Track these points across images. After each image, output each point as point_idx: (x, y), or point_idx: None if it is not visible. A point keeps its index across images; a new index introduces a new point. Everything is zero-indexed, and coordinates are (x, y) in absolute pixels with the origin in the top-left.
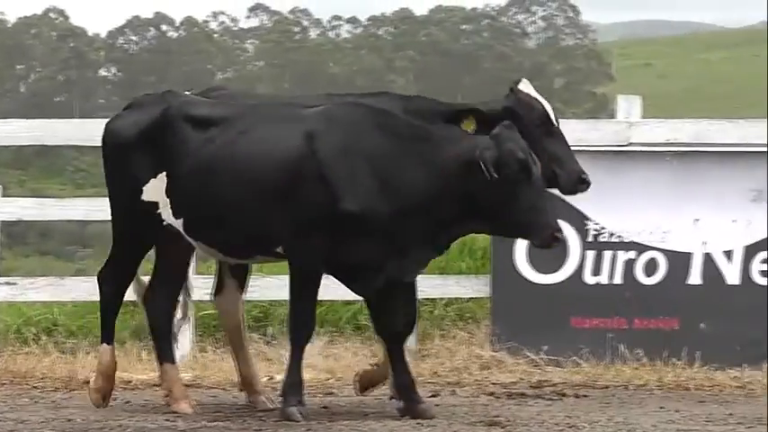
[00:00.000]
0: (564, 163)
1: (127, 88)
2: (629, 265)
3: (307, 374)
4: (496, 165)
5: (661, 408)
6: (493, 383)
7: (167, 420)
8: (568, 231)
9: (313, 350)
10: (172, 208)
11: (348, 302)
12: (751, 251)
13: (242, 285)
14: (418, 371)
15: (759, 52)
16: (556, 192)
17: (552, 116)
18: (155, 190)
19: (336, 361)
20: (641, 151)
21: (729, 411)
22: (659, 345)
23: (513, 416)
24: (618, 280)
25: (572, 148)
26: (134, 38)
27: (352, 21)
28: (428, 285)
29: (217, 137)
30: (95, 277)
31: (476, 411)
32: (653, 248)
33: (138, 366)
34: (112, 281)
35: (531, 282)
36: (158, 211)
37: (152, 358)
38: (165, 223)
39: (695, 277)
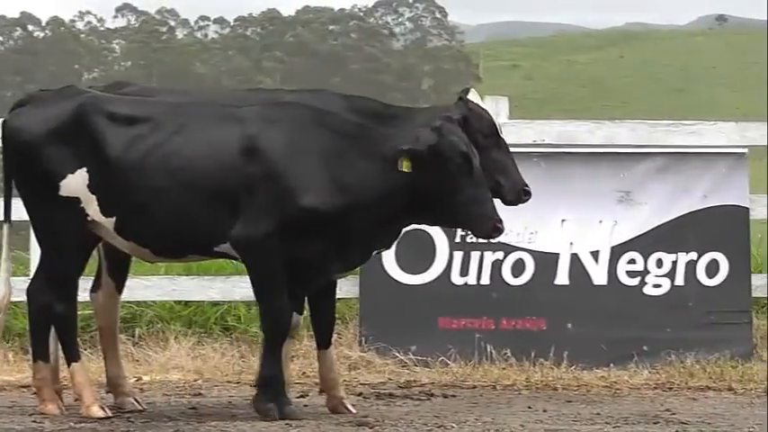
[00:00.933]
0: (509, 174)
1: None
2: (497, 265)
3: (174, 375)
4: (439, 156)
5: (529, 407)
6: (361, 384)
7: (34, 422)
8: (435, 232)
9: (181, 351)
10: (100, 205)
11: (216, 303)
12: (617, 252)
13: (120, 287)
14: (287, 372)
15: (623, 53)
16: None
17: (499, 127)
18: (75, 185)
19: (204, 362)
20: None
21: (596, 411)
22: (527, 345)
23: (382, 416)
24: (485, 281)
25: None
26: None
27: (220, 21)
28: None
29: (147, 134)
30: None
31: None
32: (520, 249)
33: (4, 368)
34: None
35: (398, 282)
36: (81, 205)
37: (18, 359)
38: (89, 219)
39: (562, 278)
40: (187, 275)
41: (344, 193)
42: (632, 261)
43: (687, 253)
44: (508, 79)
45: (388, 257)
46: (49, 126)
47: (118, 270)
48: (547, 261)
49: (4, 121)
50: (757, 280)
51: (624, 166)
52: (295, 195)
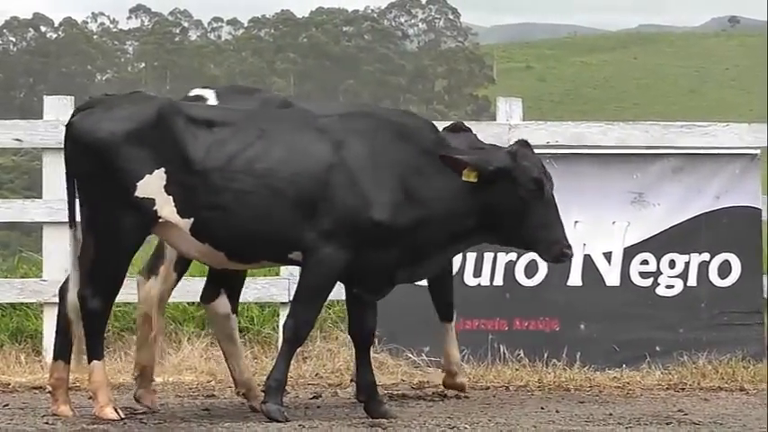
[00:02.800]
0: None
1: (5, 89)
2: (510, 266)
3: (188, 377)
4: (510, 179)
5: (541, 408)
6: None
7: (46, 423)
8: None
9: (194, 352)
10: (176, 207)
11: None
12: (630, 253)
13: (177, 281)
14: (300, 372)
15: (637, 55)
16: None
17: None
18: (150, 187)
19: (218, 363)
20: None
21: (609, 412)
22: (540, 346)
23: (395, 417)
24: (498, 281)
25: None
26: (12, 39)
27: (233, 22)
28: None
29: (231, 138)
30: None
31: (357, 413)
32: None
33: (16, 369)
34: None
35: (412, 283)
36: (155, 207)
37: (30, 361)
38: (160, 221)
39: (575, 279)
40: (201, 276)
41: (418, 208)
42: (645, 262)
43: (700, 254)
44: (522, 81)
45: None
46: (127, 127)
47: (181, 266)
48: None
49: (71, 123)
50: None
51: (637, 167)
52: (369, 208)
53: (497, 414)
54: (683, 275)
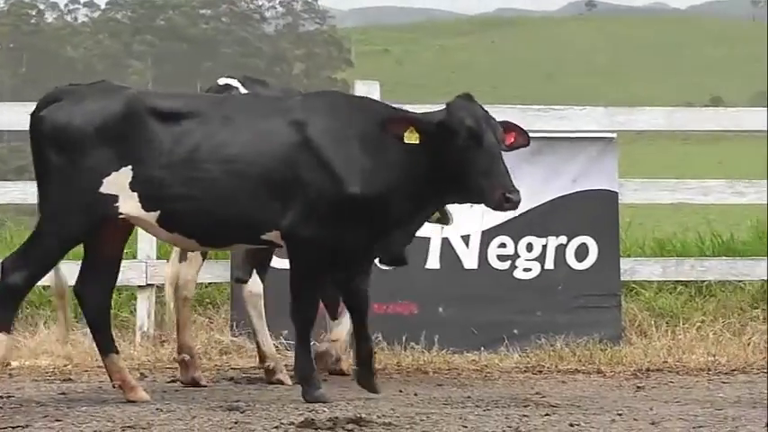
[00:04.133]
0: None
1: None
2: None
3: (44, 361)
4: (447, 131)
5: (400, 391)
6: (233, 368)
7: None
8: None
9: (51, 336)
10: (141, 201)
11: None
12: (488, 236)
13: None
14: (158, 356)
15: (494, 39)
16: None
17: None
18: (116, 183)
19: (74, 347)
20: None
21: (467, 394)
22: (398, 329)
23: (253, 400)
24: None
25: None
26: None
27: (90, 5)
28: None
29: (195, 129)
30: None
31: (215, 396)
32: None
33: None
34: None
35: (270, 267)
36: (116, 204)
37: None
38: (121, 216)
39: (433, 262)
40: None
41: (383, 177)
42: (503, 245)
43: (557, 237)
44: (380, 64)
45: None
46: (96, 122)
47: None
48: (418, 245)
49: (38, 116)
50: (626, 264)
51: None
52: (344, 182)
53: (355, 397)
54: (541, 258)
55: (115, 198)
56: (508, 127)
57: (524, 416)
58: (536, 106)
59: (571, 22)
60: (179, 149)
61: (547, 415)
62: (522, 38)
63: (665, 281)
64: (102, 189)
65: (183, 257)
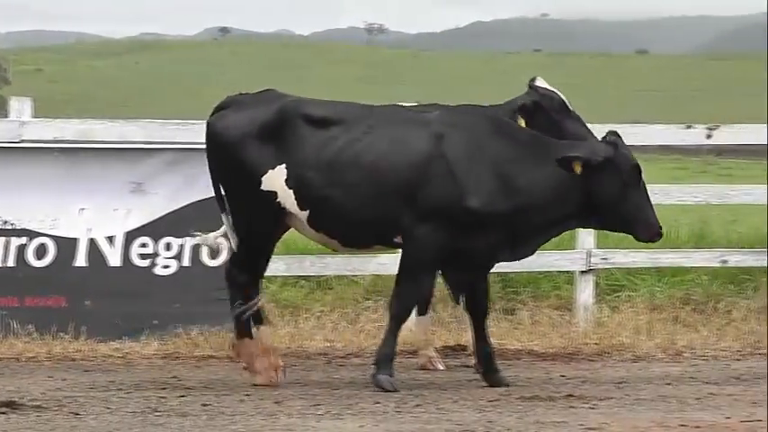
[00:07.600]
0: (584, 137)
1: None
2: (22, 249)
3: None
4: (614, 167)
5: (50, 377)
6: None
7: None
8: None
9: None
10: (296, 200)
11: None
12: (130, 237)
13: None
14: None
15: (139, 60)
16: None
17: (568, 104)
18: (273, 180)
19: None
20: (32, 147)
21: (111, 379)
22: (49, 321)
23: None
24: (11, 263)
25: None
26: None
27: None
28: None
29: (340, 135)
30: None
31: None
32: (43, 234)
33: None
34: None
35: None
36: (278, 200)
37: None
38: (285, 211)
39: (81, 260)
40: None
41: (514, 196)
42: (144, 245)
43: (192, 237)
44: (35, 82)
45: None
46: (253, 127)
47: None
48: (67, 245)
49: (208, 123)
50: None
51: (136, 159)
52: (464, 194)
53: (9, 383)
54: (179, 257)
55: (275, 194)
56: None
57: (162, 397)
58: (175, 121)
59: (208, 45)
60: (325, 153)
61: (182, 396)
62: (164, 59)
63: (289, 276)
64: (263, 187)
65: None
